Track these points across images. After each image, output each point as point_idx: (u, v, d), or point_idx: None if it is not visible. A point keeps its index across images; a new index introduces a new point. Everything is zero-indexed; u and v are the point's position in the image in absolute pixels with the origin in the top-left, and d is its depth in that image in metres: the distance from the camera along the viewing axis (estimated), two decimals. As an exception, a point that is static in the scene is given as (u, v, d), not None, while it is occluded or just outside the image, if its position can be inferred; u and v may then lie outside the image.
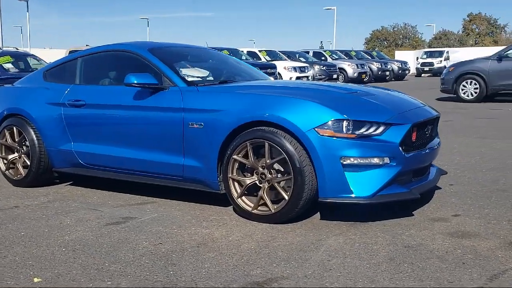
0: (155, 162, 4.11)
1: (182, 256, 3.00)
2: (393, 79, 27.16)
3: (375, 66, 25.71)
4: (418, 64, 37.15)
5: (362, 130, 3.40)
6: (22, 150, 4.92)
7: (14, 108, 4.89)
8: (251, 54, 20.19)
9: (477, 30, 68.47)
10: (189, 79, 4.24)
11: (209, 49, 5.56)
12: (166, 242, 3.24)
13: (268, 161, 3.53)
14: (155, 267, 2.83)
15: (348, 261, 2.85)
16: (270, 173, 3.57)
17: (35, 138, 4.75)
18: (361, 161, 3.36)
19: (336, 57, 25.71)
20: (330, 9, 46.99)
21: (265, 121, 3.52)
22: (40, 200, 4.39)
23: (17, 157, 4.96)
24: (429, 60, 37.31)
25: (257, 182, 3.63)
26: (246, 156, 3.65)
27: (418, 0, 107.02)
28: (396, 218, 3.61)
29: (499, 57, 13.05)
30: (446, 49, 40.72)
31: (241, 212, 3.71)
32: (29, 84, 5.11)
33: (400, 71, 28.10)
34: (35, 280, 2.68)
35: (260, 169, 3.60)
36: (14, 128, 4.87)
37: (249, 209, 3.65)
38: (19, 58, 13.33)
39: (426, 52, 39.43)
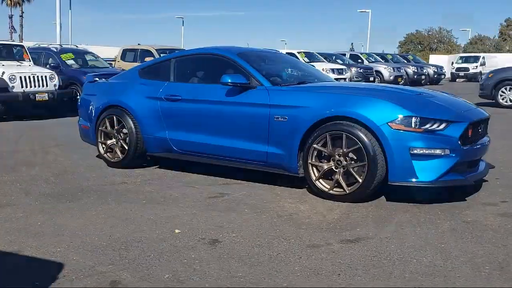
0: (242, 149, 4.85)
1: (281, 221, 3.73)
2: (428, 83, 27.44)
3: (411, 69, 26.09)
4: (453, 69, 37.16)
5: (428, 125, 4.07)
6: (120, 137, 5.73)
7: (115, 100, 5.71)
8: (290, 55, 20.84)
9: (514, 35, 67.50)
10: (272, 79, 4.96)
11: (281, 53, 6.28)
12: (263, 212, 3.97)
13: (345, 150, 4.23)
14: (261, 229, 3.56)
15: (418, 230, 3.53)
16: (345, 160, 4.27)
17: (133, 126, 5.55)
18: (426, 152, 4.03)
19: (372, 60, 26.18)
20: (365, 11, 47.26)
21: (343, 116, 4.23)
22: (141, 179, 5.18)
23: (114, 143, 5.78)
24: (464, 65, 37.28)
25: (333, 167, 4.34)
26: (324, 145, 4.35)
27: (454, 4, 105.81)
28: (452, 202, 4.26)
29: (539, 64, 13.40)
30: (482, 54, 40.52)
31: (318, 192, 4.42)
32: (125, 80, 5.93)
33: (435, 76, 28.38)
34: (176, 231, 3.46)
35: (337, 156, 4.30)
36: (114, 117, 5.69)
37: (326, 189, 4.36)
38: (79, 54, 14.34)
39: (461, 57, 39.38)
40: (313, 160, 4.43)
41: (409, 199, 4.36)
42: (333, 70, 20.17)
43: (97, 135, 5.87)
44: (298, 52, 21.38)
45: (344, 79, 20.52)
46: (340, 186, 4.32)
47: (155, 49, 14.58)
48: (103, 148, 5.88)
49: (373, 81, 22.65)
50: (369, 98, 4.27)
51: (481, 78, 15.05)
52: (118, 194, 4.49)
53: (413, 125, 4.05)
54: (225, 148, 4.97)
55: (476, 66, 37.21)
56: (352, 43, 77.64)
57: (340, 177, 4.29)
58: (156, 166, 5.82)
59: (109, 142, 5.83)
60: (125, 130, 5.69)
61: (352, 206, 4.16)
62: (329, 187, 4.36)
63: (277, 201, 4.32)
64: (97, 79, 6.32)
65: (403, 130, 4.05)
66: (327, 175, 4.41)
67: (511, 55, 49.20)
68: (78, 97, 12.97)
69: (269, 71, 5.20)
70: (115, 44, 44.86)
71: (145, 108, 5.50)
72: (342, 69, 20.89)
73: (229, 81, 4.77)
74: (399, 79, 24.11)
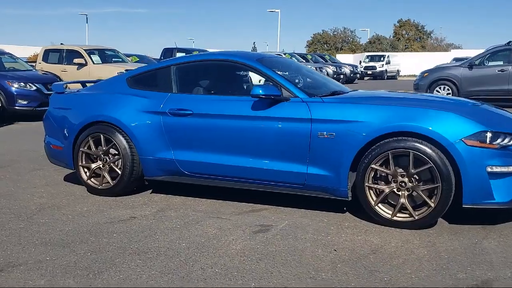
0: (274, 171, 4.19)
1: (377, 261, 3.14)
2: (345, 82, 28.09)
3: (331, 69, 26.52)
4: (361, 67, 38.60)
5: (499, 140, 3.69)
6: (108, 159, 4.79)
7: (101, 115, 4.75)
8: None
9: (406, 35, 72.03)
10: (306, 90, 4.34)
11: (285, 58, 5.64)
12: (342, 250, 3.36)
13: (412, 170, 3.73)
14: (356, 272, 2.95)
15: (529, 262, 3.13)
16: (410, 181, 3.78)
17: (127, 147, 4.65)
18: (503, 169, 3.65)
19: (294, 60, 26.24)
20: (274, 11, 47.72)
21: (410, 132, 3.72)
22: (150, 210, 4.32)
23: (100, 166, 4.83)
24: (371, 63, 38.89)
25: (395, 190, 3.83)
26: (383, 165, 3.83)
27: (354, 5, 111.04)
28: (517, 221, 3.94)
29: (470, 65, 14.00)
30: (387, 53, 42.58)
31: (378, 218, 3.88)
32: (110, 90, 4.97)
33: (351, 75, 29.17)
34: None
35: (399, 177, 3.80)
36: (101, 136, 4.74)
37: (388, 216, 3.84)
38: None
39: (368, 56, 41.04)
40: (370, 182, 3.89)
41: (469, 219, 3.97)
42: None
43: (77, 158, 4.87)
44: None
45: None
46: (403, 211, 3.82)
47: (84, 50, 13.19)
48: (85, 173, 4.90)
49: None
50: (439, 112, 3.80)
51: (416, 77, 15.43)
52: (138, 243, 3.59)
53: (487, 141, 3.65)
54: (252, 170, 4.27)
55: (382, 65, 39.01)
56: (254, 42, 78.26)
57: (406, 201, 3.79)
58: (150, 191, 4.96)
59: (93, 165, 4.85)
60: (113, 151, 4.77)
61: (424, 234, 3.68)
62: (390, 212, 3.85)
63: (336, 232, 3.72)
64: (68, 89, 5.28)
65: (478, 147, 3.63)
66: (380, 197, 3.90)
67: (409, 53, 52.49)
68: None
69: (295, 80, 4.56)
70: (12, 43, 41.13)
71: (142, 124, 4.62)
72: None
73: (262, 93, 4.08)
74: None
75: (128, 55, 15.54)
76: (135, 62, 15.33)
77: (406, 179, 3.78)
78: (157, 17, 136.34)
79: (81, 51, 13.17)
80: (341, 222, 3.96)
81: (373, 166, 3.83)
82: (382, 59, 40.31)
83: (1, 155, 6.92)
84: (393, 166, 3.79)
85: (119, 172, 4.70)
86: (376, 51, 55.53)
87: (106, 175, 4.78)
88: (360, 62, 40.62)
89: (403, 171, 3.80)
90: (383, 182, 3.90)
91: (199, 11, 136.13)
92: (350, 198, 4.00)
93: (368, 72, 38.11)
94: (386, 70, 38.63)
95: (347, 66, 29.83)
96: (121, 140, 4.66)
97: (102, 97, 4.93)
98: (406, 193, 3.80)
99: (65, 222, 3.98)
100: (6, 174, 5.75)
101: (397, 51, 56.88)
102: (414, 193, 3.79)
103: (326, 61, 29.78)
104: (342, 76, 27.41)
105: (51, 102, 5.25)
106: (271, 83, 4.30)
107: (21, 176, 5.66)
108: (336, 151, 3.94)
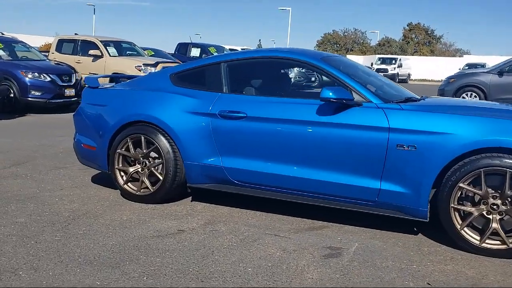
0: (340, 184, 3.71)
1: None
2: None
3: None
4: (373, 69, 38.09)
5: None
6: (147, 162, 4.32)
7: (141, 115, 4.28)
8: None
9: (416, 39, 71.49)
10: (381, 95, 3.86)
11: (344, 57, 5.08)
12: (432, 283, 2.88)
13: (509, 192, 3.26)
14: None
15: None
16: (504, 204, 3.30)
17: (170, 151, 4.18)
18: None
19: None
20: (285, 9, 47.22)
21: (506, 148, 3.25)
22: (197, 222, 3.85)
23: (139, 170, 4.36)
24: (383, 66, 38.45)
25: (484, 212, 3.36)
26: (472, 183, 3.36)
27: (364, 6, 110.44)
28: None
29: (500, 71, 13.50)
30: (398, 56, 42.16)
31: (463, 244, 3.41)
32: (151, 87, 4.49)
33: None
34: None
35: (491, 199, 3.32)
36: (142, 138, 4.27)
37: (476, 242, 3.36)
38: (6, 44, 12.05)
39: (380, 59, 40.65)
40: (456, 203, 3.41)
41: None
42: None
43: (113, 160, 4.41)
44: (242, 49, 20.27)
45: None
46: (492, 236, 3.35)
47: (100, 41, 12.70)
48: (121, 176, 4.43)
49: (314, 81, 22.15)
50: (543, 126, 3.32)
51: (442, 83, 14.94)
52: (196, 265, 3.11)
53: None
54: (315, 182, 3.79)
55: (394, 68, 38.58)
56: (260, 40, 77.57)
57: (498, 226, 3.32)
58: (189, 199, 4.49)
59: (131, 169, 4.38)
60: (153, 154, 4.30)
61: (519, 265, 3.21)
62: (479, 238, 3.37)
63: (420, 260, 3.24)
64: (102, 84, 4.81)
65: None
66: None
67: (422, 57, 51.94)
68: (12, 95, 11.05)
69: (366, 84, 4.06)
70: (16, 31, 40.59)
71: (188, 127, 4.14)
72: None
73: (333, 96, 3.59)
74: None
75: (144, 49, 15.04)
76: (150, 56, 14.83)
77: (499, 201, 3.31)
78: (161, 12, 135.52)
79: (97, 43, 12.68)
80: (419, 247, 3.48)
81: (461, 185, 3.35)
82: (394, 62, 39.91)
83: (17, 150, 6.46)
84: (485, 186, 3.32)
85: (161, 178, 4.24)
86: (385, 54, 55.05)
87: (146, 180, 4.31)
88: (372, 64, 40.18)
89: (493, 191, 3.32)
90: (469, 204, 3.42)
91: (207, 6, 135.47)
92: (428, 219, 3.53)
93: (380, 75, 37.63)
94: (398, 74, 38.14)
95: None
96: (164, 142, 4.19)
97: (143, 94, 4.45)
98: (498, 217, 3.32)
99: (106, 235, 3.51)
100: (26, 173, 5.29)
101: (406, 54, 56.40)
102: (506, 217, 3.32)
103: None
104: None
105: (84, 97, 4.77)
106: (344, 85, 3.80)
107: (43, 175, 5.19)
108: (417, 166, 3.47)
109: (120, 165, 4.41)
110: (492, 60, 47.41)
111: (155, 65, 12.25)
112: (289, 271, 2.98)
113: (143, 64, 12.09)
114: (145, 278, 2.81)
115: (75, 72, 11.39)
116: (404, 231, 3.76)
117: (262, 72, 4.36)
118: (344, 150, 3.67)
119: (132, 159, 4.39)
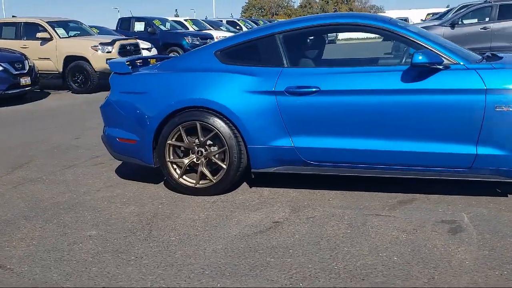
0: (430, 154, 3.52)
1: None
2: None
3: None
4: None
5: None
6: (203, 151, 3.91)
7: (194, 99, 3.83)
8: (178, 23, 18.88)
9: (333, -2, 72.59)
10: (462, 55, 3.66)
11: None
12: None
13: None
14: None
15: None
16: None
17: (232, 136, 3.80)
18: None
19: (250, 26, 25.28)
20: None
21: None
22: (283, 211, 3.54)
23: (194, 160, 3.95)
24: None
25: None
26: None
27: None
28: None
29: (452, 23, 13.83)
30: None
31: None
32: (197, 68, 4.03)
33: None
34: None
35: None
36: (198, 124, 3.84)
37: None
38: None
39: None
40: None
41: None
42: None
43: (164, 152, 3.95)
44: (185, 20, 19.53)
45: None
46: None
47: (46, 22, 11.57)
48: (174, 169, 3.99)
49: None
50: None
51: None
52: (335, 261, 2.82)
53: None
54: (404, 154, 3.56)
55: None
56: (176, 10, 75.34)
57: None
58: (244, 186, 4.15)
59: (186, 160, 3.96)
60: (209, 142, 3.90)
61: None
62: None
63: (540, 224, 3.15)
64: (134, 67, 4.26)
65: None
66: None
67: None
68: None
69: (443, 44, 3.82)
70: None
71: (250, 108, 3.76)
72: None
73: (426, 60, 3.35)
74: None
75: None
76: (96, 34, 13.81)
77: None
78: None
79: (43, 24, 11.54)
80: (524, 208, 3.39)
81: None
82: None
83: (10, 149, 5.78)
84: None
85: (224, 167, 3.85)
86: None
87: (206, 170, 3.91)
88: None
89: None
90: None
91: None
92: (525, 179, 3.43)
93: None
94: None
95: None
96: (224, 127, 3.79)
97: (190, 76, 3.98)
98: None
99: (203, 239, 3.12)
100: (38, 176, 4.69)
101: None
102: None
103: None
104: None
105: (115, 85, 4.21)
106: (427, 48, 3.55)
107: (61, 177, 4.64)
108: (517, 127, 3.33)
109: (172, 158, 3.97)
110: (413, 14, 48.97)
111: (112, 43, 11.40)
112: (436, 255, 2.76)
113: (100, 44, 11.21)
114: (301, 284, 2.49)
115: (27, 58, 10.36)
116: (490, 194, 3.65)
117: (324, 41, 4.02)
118: (436, 117, 3.46)
119: (183, 149, 3.97)
